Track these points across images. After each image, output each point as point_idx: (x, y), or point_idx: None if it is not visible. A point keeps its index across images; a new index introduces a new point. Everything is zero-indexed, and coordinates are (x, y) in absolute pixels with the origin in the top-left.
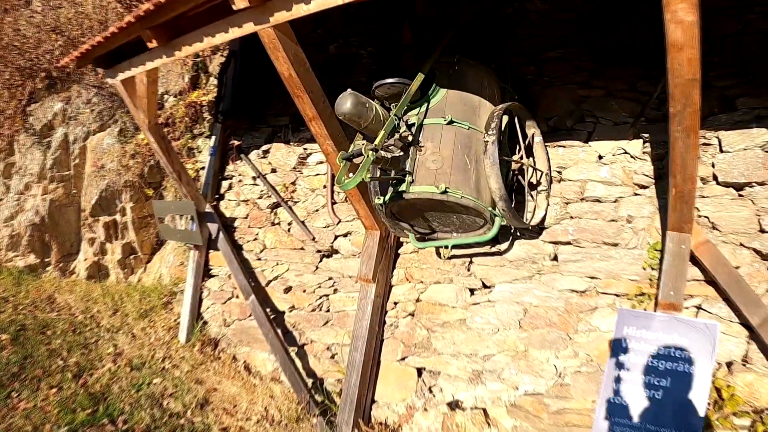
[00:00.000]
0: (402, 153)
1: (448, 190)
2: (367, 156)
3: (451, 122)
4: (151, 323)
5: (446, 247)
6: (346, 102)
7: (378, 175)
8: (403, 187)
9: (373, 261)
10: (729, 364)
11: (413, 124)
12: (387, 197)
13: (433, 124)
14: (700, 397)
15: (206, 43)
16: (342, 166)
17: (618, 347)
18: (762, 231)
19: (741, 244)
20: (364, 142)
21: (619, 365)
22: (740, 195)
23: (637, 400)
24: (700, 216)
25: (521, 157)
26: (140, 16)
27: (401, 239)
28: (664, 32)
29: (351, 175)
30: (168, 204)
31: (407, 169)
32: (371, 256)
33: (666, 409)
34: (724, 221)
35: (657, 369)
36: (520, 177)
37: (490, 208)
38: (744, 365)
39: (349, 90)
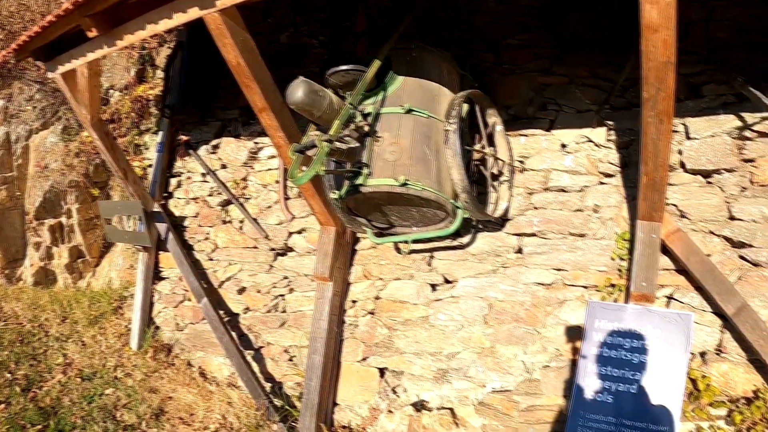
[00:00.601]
0: (358, 144)
1: (407, 182)
2: (321, 148)
3: (409, 111)
4: (101, 330)
5: (406, 242)
6: (297, 90)
7: (333, 168)
8: (359, 181)
9: (330, 258)
10: (703, 354)
11: (370, 114)
12: (343, 191)
13: (390, 113)
14: (675, 389)
15: (149, 30)
16: (294, 159)
17: (590, 341)
18: (732, 218)
19: (711, 232)
20: (318, 133)
21: (592, 359)
22: (708, 182)
23: (611, 395)
24: (668, 204)
25: (483, 147)
26: (79, 3)
27: (358, 235)
28: (639, 13)
29: (304, 168)
30: (114, 204)
31: (364, 161)
32: (327, 253)
33: (641, 402)
34: (693, 209)
35: (631, 362)
36: (481, 167)
37: (452, 201)
38: (718, 355)
39: (300, 77)
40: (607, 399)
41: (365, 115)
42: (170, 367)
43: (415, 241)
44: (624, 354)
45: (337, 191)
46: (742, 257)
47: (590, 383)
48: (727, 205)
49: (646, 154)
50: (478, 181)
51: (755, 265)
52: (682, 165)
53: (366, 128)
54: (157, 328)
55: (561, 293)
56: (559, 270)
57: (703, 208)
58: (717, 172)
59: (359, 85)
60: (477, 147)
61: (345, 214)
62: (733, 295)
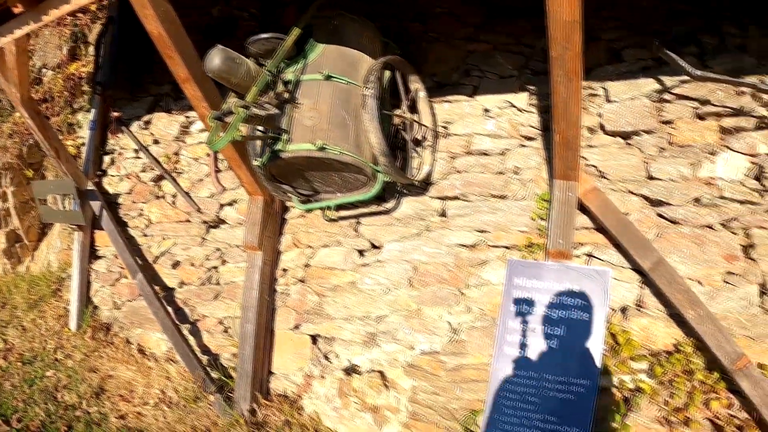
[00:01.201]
0: (278, 111)
1: (325, 146)
2: (238, 114)
3: (329, 77)
4: (41, 313)
5: (329, 207)
6: (214, 58)
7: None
8: (279, 147)
9: (258, 228)
10: (623, 310)
11: (290, 81)
12: (264, 158)
13: (310, 80)
14: (595, 343)
15: (74, 4)
16: (213, 126)
17: (509, 299)
18: (650, 178)
19: (630, 192)
20: (237, 100)
21: (512, 317)
22: (628, 143)
23: (532, 351)
24: (588, 165)
25: (404, 112)
26: None
27: (287, 204)
28: None
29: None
30: (47, 184)
31: (283, 128)
32: (256, 222)
33: (562, 357)
34: (613, 170)
35: (551, 318)
36: (404, 133)
37: (371, 164)
38: (638, 310)
39: (217, 45)
40: (528, 355)
41: (286, 83)
42: (109, 346)
43: (342, 208)
44: (543, 310)
45: (259, 158)
46: (660, 215)
47: (511, 340)
48: (645, 165)
49: (557, 114)
50: (403, 147)
51: (673, 222)
52: (602, 127)
53: (286, 95)
54: (96, 307)
55: (483, 254)
56: (482, 231)
57: (622, 169)
58: (636, 133)
59: (278, 53)
60: (397, 112)
61: (269, 182)
62: (649, 250)
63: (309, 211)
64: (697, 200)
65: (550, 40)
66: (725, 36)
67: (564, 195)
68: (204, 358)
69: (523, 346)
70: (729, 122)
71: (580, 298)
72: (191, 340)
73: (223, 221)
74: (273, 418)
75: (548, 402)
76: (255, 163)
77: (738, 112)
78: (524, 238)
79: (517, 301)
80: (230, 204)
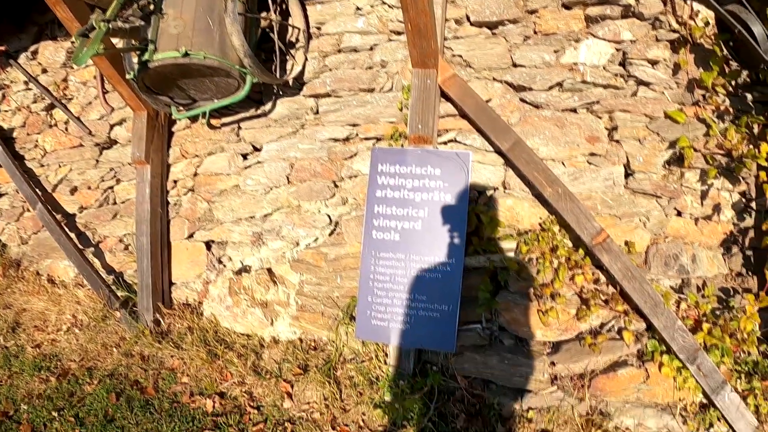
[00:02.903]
0: (143, 23)
1: (189, 52)
2: (99, 28)
3: None
4: None
5: (205, 114)
6: None
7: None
8: (146, 57)
9: (144, 142)
10: (488, 191)
11: None
12: (136, 70)
13: None
14: (459, 223)
15: None
16: (79, 42)
17: (374, 185)
18: (515, 65)
19: (494, 79)
20: (99, 14)
21: (378, 203)
22: (494, 33)
23: (398, 234)
24: (455, 56)
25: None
26: None
27: (174, 117)
28: None
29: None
30: None
31: (150, 38)
32: (141, 137)
33: (427, 238)
34: (478, 59)
35: (414, 201)
36: (273, 35)
37: (237, 67)
38: (504, 191)
39: None
40: (394, 238)
41: None
42: (21, 281)
43: (223, 115)
44: (406, 194)
45: (132, 71)
46: (522, 100)
47: (378, 224)
48: (510, 53)
49: (406, 2)
50: (279, 51)
51: (536, 107)
52: (468, 18)
53: (151, 7)
54: (4, 245)
55: (355, 146)
56: (353, 125)
57: (487, 58)
58: (501, 23)
59: None
60: (263, 15)
61: (147, 94)
62: (507, 132)
63: (194, 120)
64: (559, 85)
65: None
66: None
67: (422, 83)
68: (110, 278)
69: (389, 229)
70: (594, 11)
71: (441, 181)
72: (96, 262)
73: (115, 141)
74: (176, 326)
75: (417, 282)
76: (128, 76)
77: (603, 1)
78: (392, 128)
79: (382, 187)
80: (119, 123)
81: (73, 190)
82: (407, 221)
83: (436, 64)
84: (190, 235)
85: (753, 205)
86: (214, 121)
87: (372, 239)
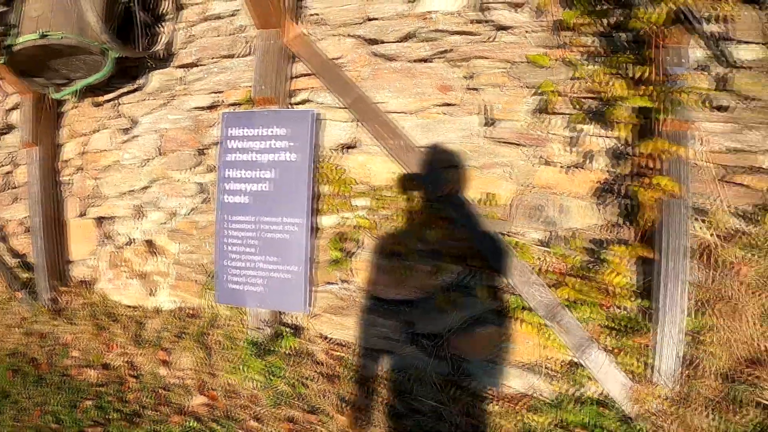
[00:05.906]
0: (7, 8)
1: (46, 33)
2: None
3: None
4: None
5: (75, 92)
6: None
7: None
8: (9, 41)
9: (31, 124)
10: (340, 148)
11: None
12: (5, 55)
13: None
14: (306, 183)
15: None
16: None
17: (225, 149)
18: (369, 19)
19: (349, 35)
20: None
21: (228, 166)
22: None
23: (248, 197)
24: (312, 14)
25: None
26: None
27: (51, 97)
28: None
29: None
30: None
31: (12, 23)
32: (29, 119)
33: (274, 199)
34: (333, 15)
35: (262, 163)
36: (136, 8)
37: (96, 43)
38: (356, 147)
39: None
40: (244, 200)
41: None
42: None
43: (102, 91)
44: (254, 156)
45: (2, 56)
46: (373, 53)
47: (229, 188)
48: (366, 7)
49: None
50: (148, 24)
51: (388, 59)
52: None
53: None
54: None
55: (218, 114)
56: (218, 93)
57: (343, 14)
58: None
59: None
60: None
61: (20, 78)
62: (349, 87)
63: (81, 99)
64: (413, 36)
65: None
66: None
67: (266, 43)
68: (15, 261)
69: (239, 192)
70: None
71: (287, 140)
72: (1, 246)
73: (12, 126)
74: (72, 302)
75: (267, 244)
76: (0, 61)
77: None
78: (247, 92)
79: (231, 151)
80: (15, 108)
81: None
82: (256, 183)
83: (282, 24)
84: (82, 213)
85: (630, 150)
86: (98, 99)
87: (224, 203)
